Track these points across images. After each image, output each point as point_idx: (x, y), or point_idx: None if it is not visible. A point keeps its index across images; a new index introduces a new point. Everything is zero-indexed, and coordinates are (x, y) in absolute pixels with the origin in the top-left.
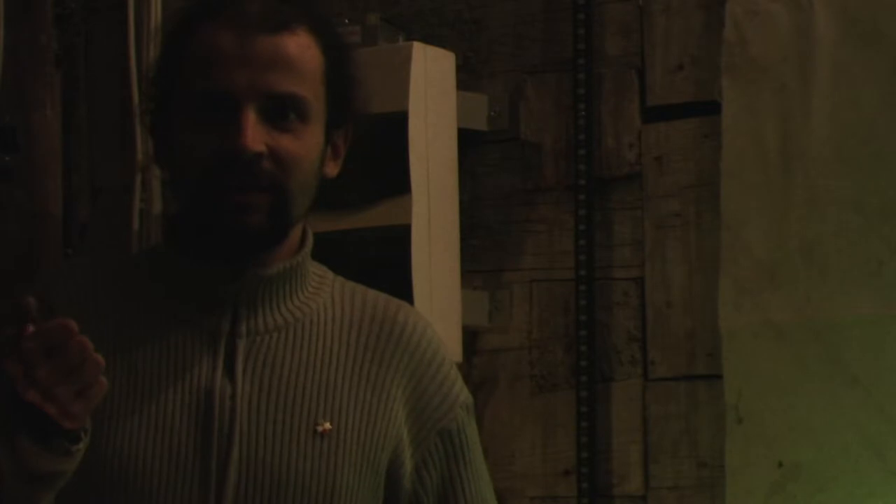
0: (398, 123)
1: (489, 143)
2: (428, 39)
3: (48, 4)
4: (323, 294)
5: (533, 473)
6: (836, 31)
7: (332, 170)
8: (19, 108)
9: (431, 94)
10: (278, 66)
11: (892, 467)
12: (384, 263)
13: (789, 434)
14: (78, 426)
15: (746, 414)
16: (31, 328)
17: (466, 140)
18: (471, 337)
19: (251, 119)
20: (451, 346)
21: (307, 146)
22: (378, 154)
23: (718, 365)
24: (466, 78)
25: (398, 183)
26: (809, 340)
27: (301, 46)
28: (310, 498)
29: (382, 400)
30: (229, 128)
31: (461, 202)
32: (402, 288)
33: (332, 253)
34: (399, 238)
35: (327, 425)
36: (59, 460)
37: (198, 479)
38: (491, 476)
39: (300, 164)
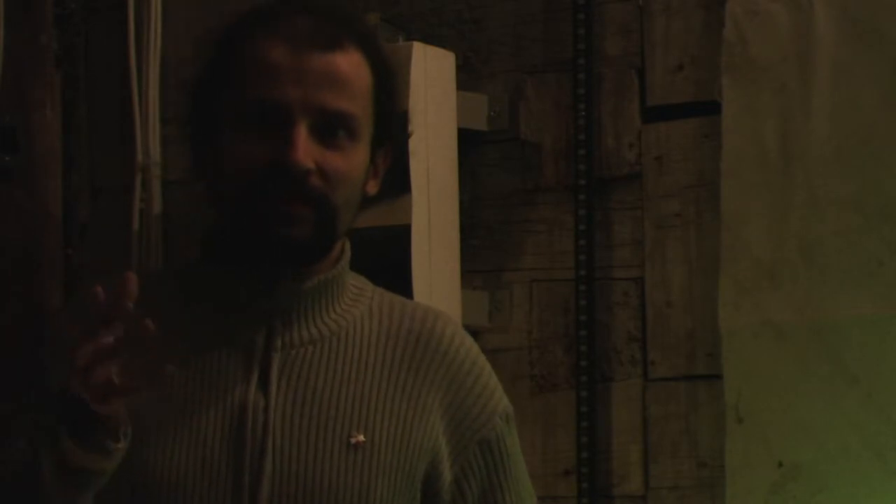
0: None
1: (489, 143)
2: (428, 39)
3: (48, 4)
4: (360, 306)
5: (533, 473)
6: (836, 31)
7: (373, 188)
8: (19, 107)
9: (431, 93)
10: (332, 84)
11: (893, 467)
12: (384, 263)
13: (789, 434)
14: (111, 414)
15: (746, 414)
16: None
17: (466, 140)
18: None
19: (303, 134)
20: None
21: (353, 164)
22: None
23: (718, 365)
24: (466, 78)
25: (398, 183)
26: (809, 340)
27: (353, 65)
28: None
29: (418, 411)
30: (281, 141)
31: (461, 202)
32: (402, 288)
33: None
34: (399, 238)
35: (361, 437)
36: (97, 458)
37: (231, 492)
38: None
39: (346, 180)
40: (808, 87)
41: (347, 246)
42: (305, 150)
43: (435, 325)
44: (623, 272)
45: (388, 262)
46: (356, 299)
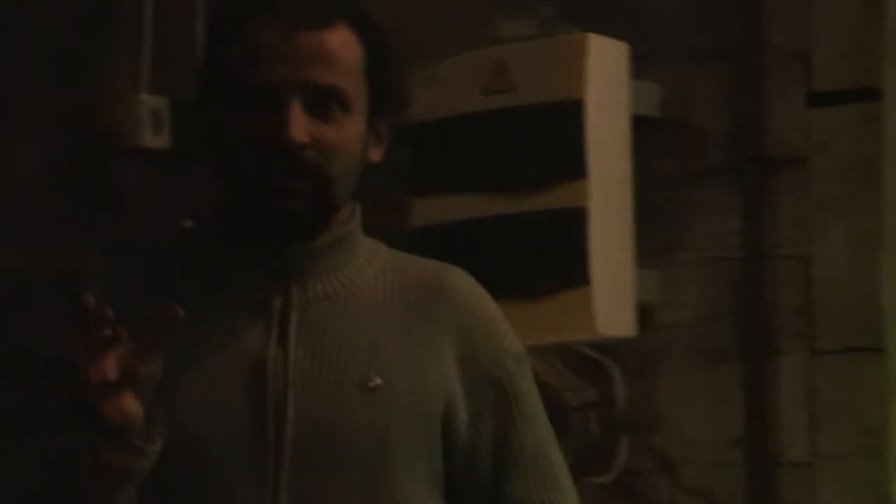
0: (574, 111)
1: (660, 129)
2: (601, 30)
3: None
4: (374, 265)
5: (704, 442)
6: None
7: (376, 155)
8: None
9: (606, 82)
10: (320, 61)
11: None
12: (559, 244)
13: None
14: (118, 420)
15: None
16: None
17: (639, 125)
18: (644, 313)
19: (296, 111)
20: (625, 322)
21: (348, 135)
22: (553, 139)
23: (881, 339)
24: (638, 66)
25: (574, 167)
26: None
27: (341, 42)
28: (363, 449)
29: (432, 355)
30: (275, 119)
31: (634, 185)
32: (578, 267)
33: (507, 233)
34: (574, 220)
35: (378, 381)
36: (131, 458)
37: (256, 441)
38: (649, 444)
39: (342, 152)
40: None
41: (358, 208)
42: (299, 125)
43: (445, 277)
44: (789, 250)
45: (563, 242)
46: (369, 259)
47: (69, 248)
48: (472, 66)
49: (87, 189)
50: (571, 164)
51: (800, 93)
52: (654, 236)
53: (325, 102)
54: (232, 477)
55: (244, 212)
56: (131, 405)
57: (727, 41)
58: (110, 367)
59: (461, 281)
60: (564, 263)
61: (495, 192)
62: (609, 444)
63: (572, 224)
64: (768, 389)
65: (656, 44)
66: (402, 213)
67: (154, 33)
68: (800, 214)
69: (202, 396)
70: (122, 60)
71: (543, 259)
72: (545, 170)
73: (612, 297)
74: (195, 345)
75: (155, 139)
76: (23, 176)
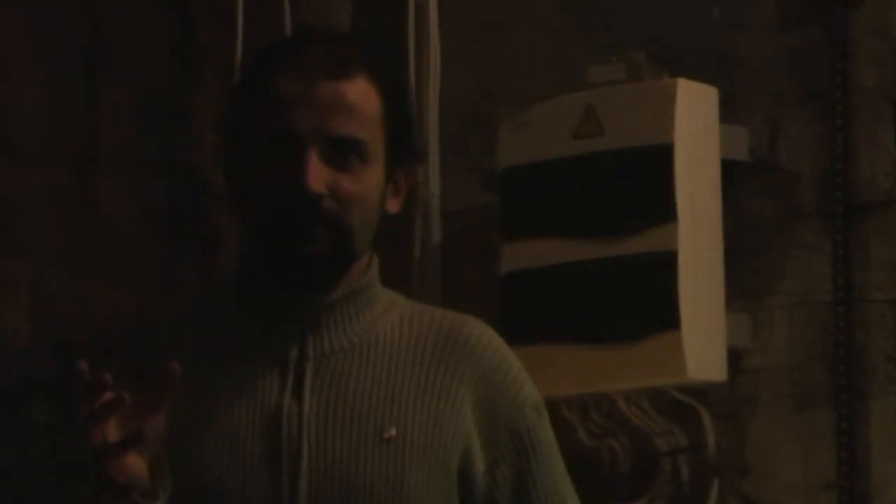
0: (664, 155)
1: (750, 173)
2: (691, 75)
3: None
4: (391, 316)
5: (795, 487)
6: None
7: (394, 206)
8: None
9: (696, 127)
10: (339, 112)
11: None
12: (649, 288)
13: None
14: (123, 480)
15: None
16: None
17: (729, 170)
18: (734, 357)
19: (314, 161)
20: (716, 366)
21: (367, 185)
22: (642, 184)
23: None
24: (728, 110)
25: (664, 211)
26: None
27: (360, 92)
28: (379, 500)
29: (449, 405)
30: (294, 169)
31: (724, 229)
32: (667, 311)
33: (597, 277)
34: (665, 264)
35: (393, 431)
36: None
37: (270, 491)
38: (740, 488)
39: (360, 202)
40: None
41: (375, 259)
42: (317, 175)
43: (463, 327)
44: (879, 294)
45: (653, 286)
46: (387, 310)
47: (161, 292)
48: (562, 111)
49: (179, 233)
50: (661, 208)
51: (889, 135)
52: (744, 280)
53: (343, 153)
54: None
55: (265, 257)
56: (135, 465)
57: (816, 84)
58: (112, 429)
59: (478, 331)
60: (654, 307)
61: (585, 237)
62: (700, 489)
63: (662, 268)
64: (859, 434)
65: (746, 88)
66: (492, 258)
67: None
68: (890, 257)
69: (220, 447)
70: (212, 105)
71: (633, 303)
72: (635, 214)
73: (702, 341)
74: (215, 395)
75: None
76: (114, 220)
